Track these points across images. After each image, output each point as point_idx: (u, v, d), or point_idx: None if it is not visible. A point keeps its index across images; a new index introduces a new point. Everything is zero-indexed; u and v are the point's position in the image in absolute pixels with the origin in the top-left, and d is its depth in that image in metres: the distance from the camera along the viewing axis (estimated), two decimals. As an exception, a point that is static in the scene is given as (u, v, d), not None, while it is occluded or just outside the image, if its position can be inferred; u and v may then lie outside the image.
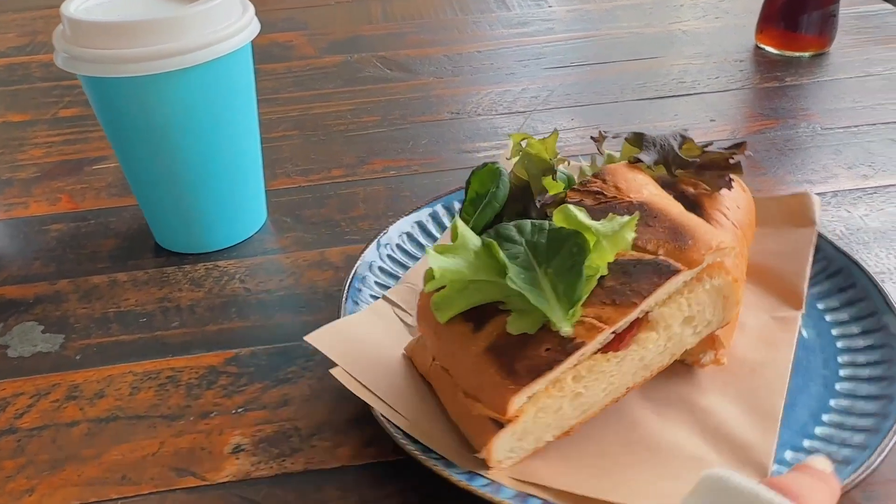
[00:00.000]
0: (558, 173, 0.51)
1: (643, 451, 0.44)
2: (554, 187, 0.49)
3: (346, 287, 0.55)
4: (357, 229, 0.68)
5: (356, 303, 0.54)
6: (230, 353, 0.56)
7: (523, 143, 0.50)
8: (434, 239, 0.61)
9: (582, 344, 0.40)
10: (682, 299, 0.44)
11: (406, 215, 0.62)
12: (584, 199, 0.47)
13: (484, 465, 0.42)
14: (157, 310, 0.60)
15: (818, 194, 0.69)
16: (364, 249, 0.59)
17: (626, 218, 0.42)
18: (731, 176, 0.52)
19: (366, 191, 0.74)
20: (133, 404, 0.52)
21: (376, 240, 0.60)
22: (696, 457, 0.43)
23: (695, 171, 0.51)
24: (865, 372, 0.48)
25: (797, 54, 0.97)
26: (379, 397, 0.45)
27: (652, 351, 0.44)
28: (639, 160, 0.50)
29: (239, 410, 0.51)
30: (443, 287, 0.43)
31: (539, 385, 0.40)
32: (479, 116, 0.87)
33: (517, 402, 0.40)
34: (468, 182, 0.50)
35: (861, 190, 0.70)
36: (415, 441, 0.44)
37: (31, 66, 1.06)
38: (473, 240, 0.43)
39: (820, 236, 0.57)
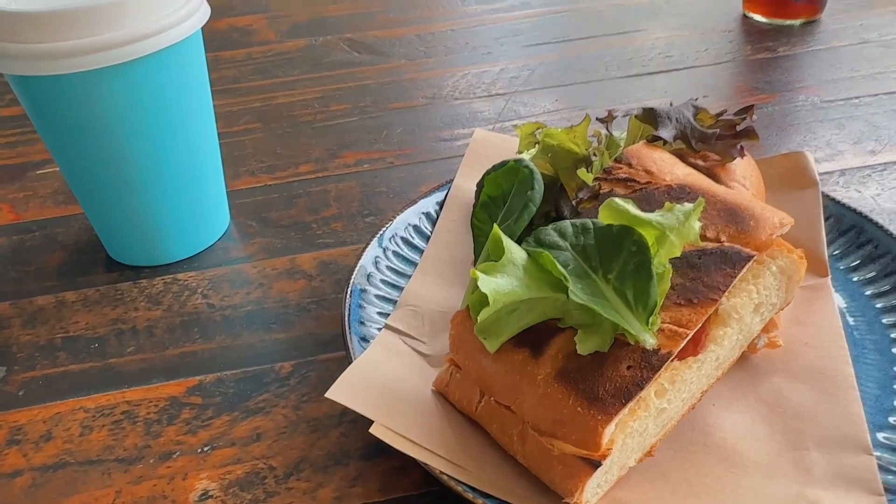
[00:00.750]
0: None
1: (729, 457, 0.40)
2: (590, 180, 0.43)
3: (347, 300, 0.48)
4: (330, 231, 0.62)
5: (362, 322, 0.48)
6: (193, 380, 0.50)
7: (537, 133, 0.44)
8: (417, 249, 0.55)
9: (668, 355, 0.35)
10: (750, 286, 0.40)
11: (401, 213, 0.56)
12: (614, 189, 0.42)
13: None
14: (110, 333, 0.54)
15: (824, 174, 0.64)
16: (364, 250, 0.53)
17: (689, 206, 0.37)
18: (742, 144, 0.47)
19: (338, 188, 0.68)
20: (84, 447, 0.46)
21: (375, 239, 0.54)
22: (789, 450, 0.39)
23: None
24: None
25: (788, 22, 0.91)
26: (432, 451, 0.39)
27: (727, 347, 0.40)
28: (657, 137, 0.45)
29: (205, 449, 0.45)
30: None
31: (626, 409, 0.35)
32: (457, 101, 0.81)
33: (608, 433, 0.35)
34: (480, 185, 0.44)
35: (870, 167, 0.66)
36: (485, 495, 0.38)
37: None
38: (519, 253, 0.37)
39: (823, 194, 0.52)
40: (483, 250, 0.43)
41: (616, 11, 0.99)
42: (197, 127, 0.57)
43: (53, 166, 0.74)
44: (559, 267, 0.36)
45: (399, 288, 0.51)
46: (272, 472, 0.43)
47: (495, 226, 0.38)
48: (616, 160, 0.44)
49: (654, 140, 0.46)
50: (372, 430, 0.39)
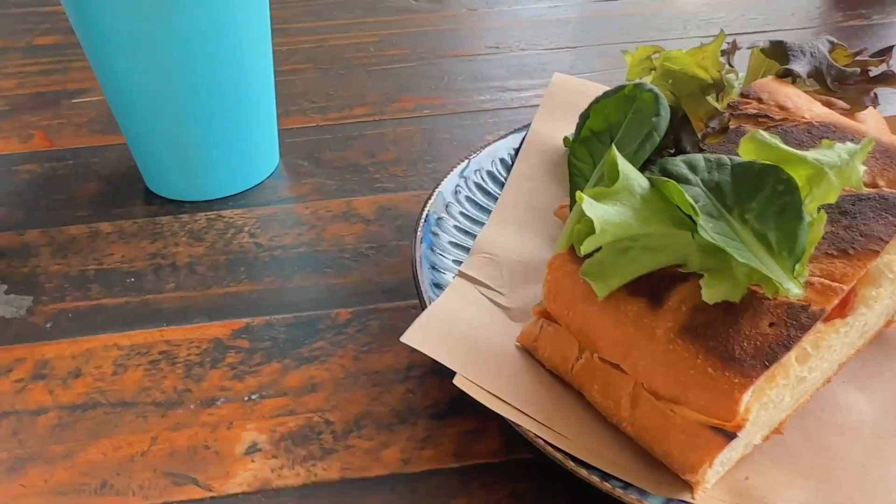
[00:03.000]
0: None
1: (868, 440, 0.34)
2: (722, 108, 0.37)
3: (419, 228, 0.43)
4: (389, 175, 0.57)
5: (435, 234, 0.43)
6: (239, 322, 0.44)
7: (654, 58, 0.39)
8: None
9: (820, 312, 0.30)
10: None
11: (479, 152, 0.51)
12: (742, 125, 0.36)
13: (681, 487, 0.31)
14: (147, 268, 0.49)
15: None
16: (441, 182, 0.48)
17: (852, 145, 0.31)
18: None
19: (396, 132, 0.62)
20: (117, 386, 0.40)
21: (458, 170, 0.49)
22: None
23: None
24: None
25: (881, -10, 0.85)
26: (523, 412, 0.34)
27: (876, 312, 0.35)
28: (788, 72, 0.39)
29: (253, 397, 0.40)
30: (595, 252, 0.32)
31: (767, 374, 0.29)
32: (523, 51, 0.75)
33: (745, 400, 0.29)
34: (584, 116, 0.38)
35: None
36: (585, 465, 0.32)
37: (3, -9, 0.93)
38: (639, 180, 0.31)
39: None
40: (589, 184, 0.38)
41: (691, -28, 0.93)
42: (254, 53, 0.51)
43: (90, 95, 0.69)
44: (687, 198, 0.31)
45: (471, 235, 0.46)
46: (329, 427, 0.38)
47: (612, 147, 0.32)
48: (743, 94, 0.38)
49: (784, 75, 0.40)
50: (456, 381, 0.34)
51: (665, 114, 0.35)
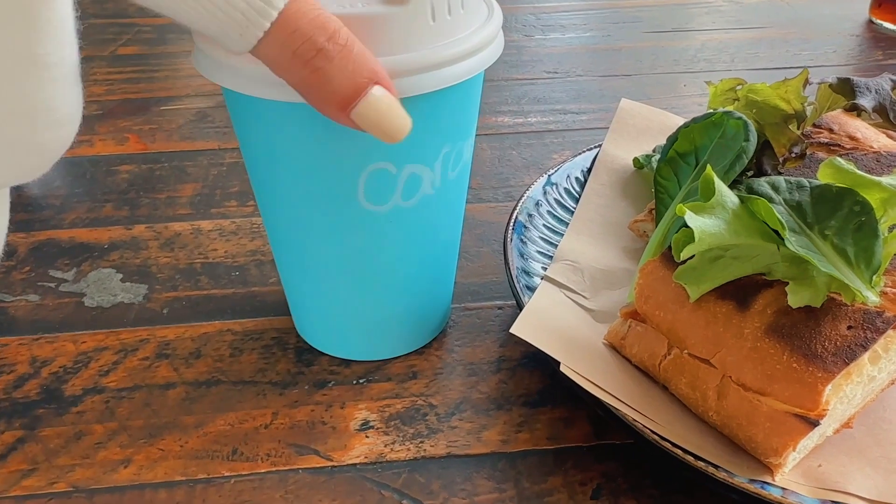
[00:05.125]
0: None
1: None
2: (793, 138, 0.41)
3: (510, 237, 0.47)
4: (465, 188, 0.61)
5: (524, 241, 0.47)
6: (340, 315, 0.49)
7: (737, 89, 0.43)
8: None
9: (893, 318, 0.34)
10: None
11: (558, 168, 0.55)
12: (815, 153, 0.40)
13: (763, 471, 0.35)
14: (250, 263, 0.53)
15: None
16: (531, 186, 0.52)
17: None
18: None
19: (467, 148, 0.67)
20: (236, 367, 0.45)
21: (546, 174, 0.53)
22: None
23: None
24: None
25: (919, 32, 0.89)
26: (621, 400, 0.37)
27: None
28: (855, 107, 0.43)
29: (360, 381, 0.44)
30: (688, 259, 0.36)
31: (846, 370, 0.34)
32: (580, 77, 0.80)
33: (827, 392, 0.33)
34: (672, 139, 0.43)
35: None
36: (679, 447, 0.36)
37: (83, 2, 0.99)
38: (731, 197, 0.36)
39: None
40: (672, 204, 0.42)
41: (734, 8, 0.98)
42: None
43: (175, 104, 0.74)
44: (776, 213, 0.35)
45: (552, 244, 0.50)
46: (433, 410, 0.42)
47: (708, 166, 0.36)
48: (815, 125, 0.42)
49: (851, 109, 0.44)
50: (562, 368, 0.38)
51: (753, 139, 0.39)
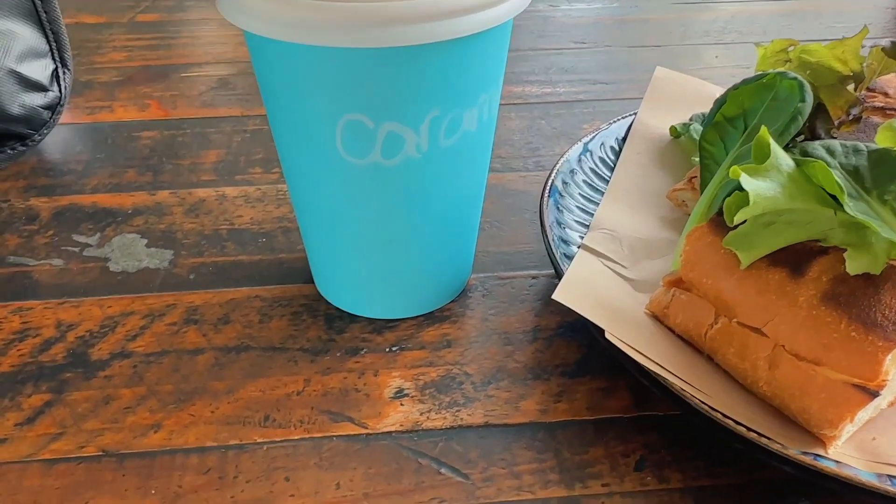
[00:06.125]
0: None
1: None
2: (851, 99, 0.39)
3: (546, 205, 0.46)
4: (495, 157, 0.60)
5: (560, 209, 0.46)
6: (370, 283, 0.47)
7: (789, 50, 0.41)
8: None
9: None
10: None
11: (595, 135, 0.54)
12: (870, 117, 0.38)
13: (813, 443, 0.34)
14: (276, 230, 0.52)
15: None
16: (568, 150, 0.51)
17: None
18: None
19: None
20: (266, 333, 0.44)
21: (582, 141, 0.52)
22: None
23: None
24: None
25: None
26: (668, 370, 0.36)
27: None
28: (917, 72, 0.42)
29: (393, 349, 0.43)
30: (739, 225, 0.34)
31: None
32: (609, 47, 0.78)
33: (888, 361, 0.32)
34: (719, 102, 0.41)
35: None
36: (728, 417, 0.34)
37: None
38: (786, 160, 0.34)
39: None
40: (720, 169, 0.40)
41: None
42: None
43: (196, 71, 0.73)
44: (835, 177, 0.33)
45: (588, 213, 0.49)
46: (469, 379, 0.41)
47: (763, 127, 0.35)
48: (869, 88, 0.41)
49: (905, 74, 0.42)
50: (607, 336, 0.37)
51: (809, 100, 0.38)
